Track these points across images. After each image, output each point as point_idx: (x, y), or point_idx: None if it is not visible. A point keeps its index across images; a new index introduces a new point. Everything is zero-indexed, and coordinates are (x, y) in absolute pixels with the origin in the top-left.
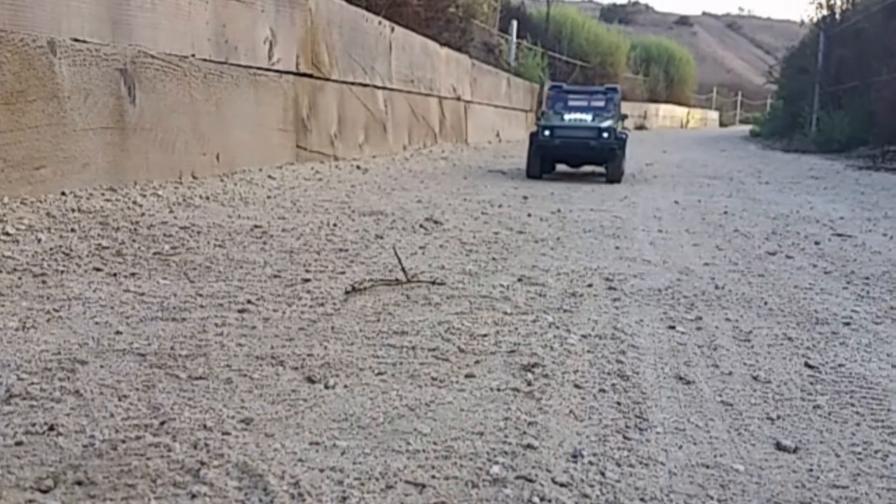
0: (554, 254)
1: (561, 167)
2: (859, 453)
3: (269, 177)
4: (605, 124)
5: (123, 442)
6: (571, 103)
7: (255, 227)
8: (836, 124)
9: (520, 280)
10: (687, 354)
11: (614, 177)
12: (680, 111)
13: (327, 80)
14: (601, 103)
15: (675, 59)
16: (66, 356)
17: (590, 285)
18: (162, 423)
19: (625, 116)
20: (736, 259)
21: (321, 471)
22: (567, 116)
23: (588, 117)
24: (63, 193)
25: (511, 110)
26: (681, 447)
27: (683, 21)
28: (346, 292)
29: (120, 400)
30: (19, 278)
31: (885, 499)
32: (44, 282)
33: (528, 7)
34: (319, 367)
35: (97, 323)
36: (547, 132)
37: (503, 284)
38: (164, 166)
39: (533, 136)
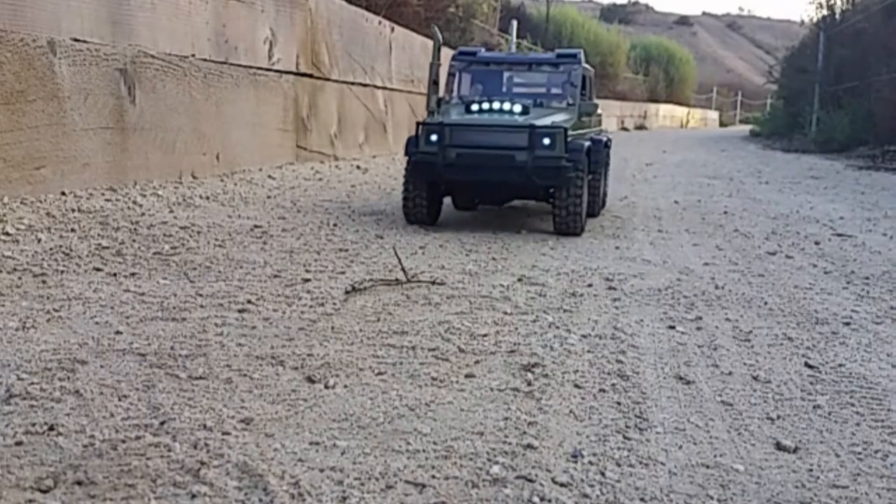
0: (554, 253)
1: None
2: (859, 453)
3: (269, 177)
4: (546, 121)
5: (123, 442)
6: (493, 85)
7: (255, 227)
8: (836, 124)
9: (520, 280)
10: (687, 354)
11: (568, 226)
12: (680, 111)
13: (327, 79)
14: (555, 87)
15: (675, 59)
16: (66, 356)
17: (590, 285)
18: (162, 423)
19: (594, 108)
20: (736, 259)
21: (321, 471)
22: (477, 107)
23: (517, 109)
24: (63, 193)
25: None
26: (681, 447)
27: (683, 21)
28: (346, 292)
29: (120, 400)
30: (19, 278)
31: (885, 499)
32: (44, 282)
33: (528, 7)
34: (319, 367)
35: (97, 323)
36: (434, 137)
37: (503, 284)
38: (164, 166)
39: (410, 144)
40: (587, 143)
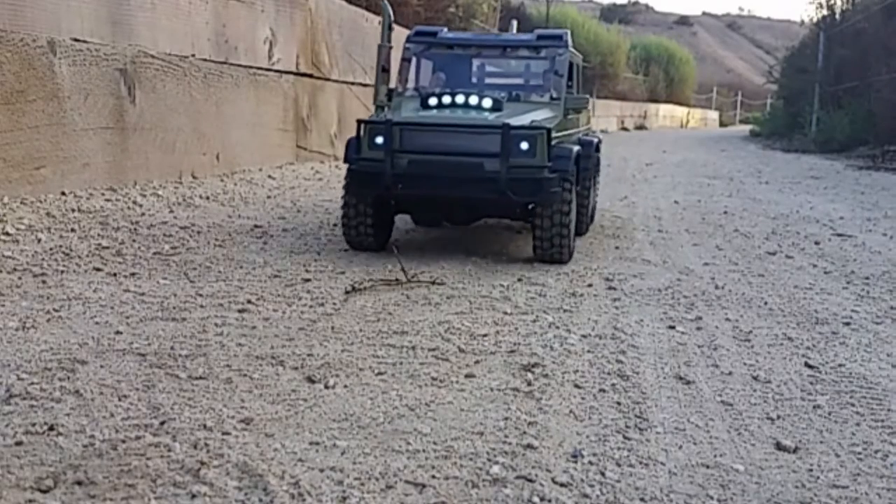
0: None
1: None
2: (859, 453)
3: (269, 177)
4: (524, 120)
5: (123, 442)
6: (459, 74)
7: (255, 226)
8: (836, 124)
9: (520, 280)
10: (687, 354)
11: (552, 252)
12: (680, 111)
13: (327, 79)
14: (535, 77)
15: (675, 59)
16: (66, 356)
17: (590, 285)
18: (162, 423)
19: (584, 102)
20: (736, 259)
21: (321, 471)
22: (435, 102)
23: (486, 104)
24: (63, 193)
25: None
26: (681, 447)
27: (683, 21)
28: (347, 292)
29: (120, 400)
30: (19, 278)
31: (885, 499)
32: (44, 282)
33: (528, 7)
34: (319, 367)
35: (97, 323)
36: (379, 140)
37: (503, 284)
38: (164, 166)
39: (350, 149)
40: (575, 148)
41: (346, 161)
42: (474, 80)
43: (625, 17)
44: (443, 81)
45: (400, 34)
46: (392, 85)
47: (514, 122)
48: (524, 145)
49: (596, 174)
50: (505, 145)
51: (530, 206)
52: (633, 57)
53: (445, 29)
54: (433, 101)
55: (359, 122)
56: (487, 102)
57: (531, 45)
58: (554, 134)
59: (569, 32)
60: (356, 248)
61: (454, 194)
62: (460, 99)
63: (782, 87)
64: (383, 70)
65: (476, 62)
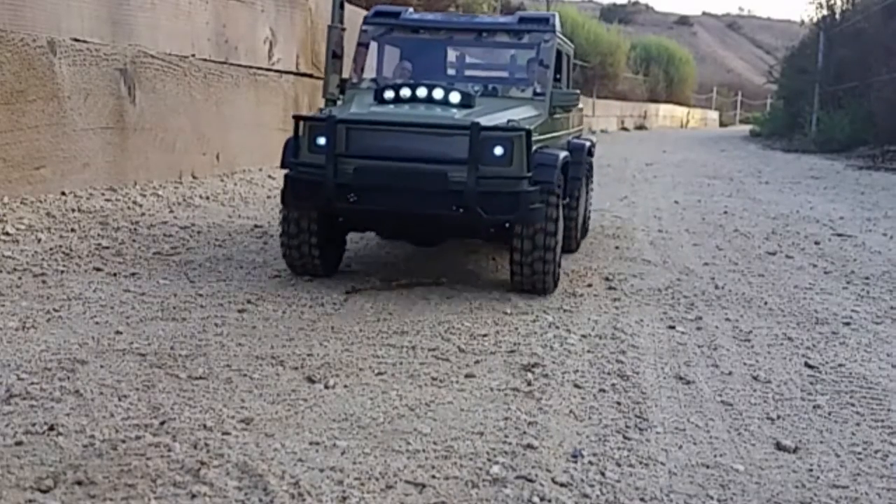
0: None
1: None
2: (859, 453)
3: (269, 177)
4: (499, 119)
5: (123, 442)
6: (429, 63)
7: (255, 227)
8: (836, 124)
9: None
10: (687, 354)
11: (533, 280)
12: (680, 111)
13: None
14: (517, 68)
15: (675, 59)
16: (66, 356)
17: (589, 285)
18: (162, 423)
19: (574, 98)
20: (736, 259)
21: (321, 471)
22: (392, 95)
23: (454, 98)
24: (63, 193)
25: None
26: (681, 447)
27: (683, 21)
28: (347, 292)
29: (120, 400)
30: (19, 278)
31: (885, 499)
32: (44, 282)
33: (527, 7)
34: (319, 367)
35: (97, 323)
36: (321, 141)
37: (503, 284)
38: (164, 166)
39: (287, 152)
40: (562, 154)
41: (282, 166)
42: (452, 71)
43: (625, 17)
44: (409, 72)
45: None
46: (347, 75)
47: (487, 121)
48: (498, 150)
49: (588, 182)
50: (474, 150)
51: (507, 225)
52: (633, 57)
53: (411, 9)
54: (389, 94)
55: (296, 118)
56: (455, 97)
57: (512, 28)
58: (536, 136)
59: (557, 15)
60: (298, 272)
61: (411, 210)
62: (422, 92)
63: (782, 87)
64: (334, 56)
65: (452, 51)
